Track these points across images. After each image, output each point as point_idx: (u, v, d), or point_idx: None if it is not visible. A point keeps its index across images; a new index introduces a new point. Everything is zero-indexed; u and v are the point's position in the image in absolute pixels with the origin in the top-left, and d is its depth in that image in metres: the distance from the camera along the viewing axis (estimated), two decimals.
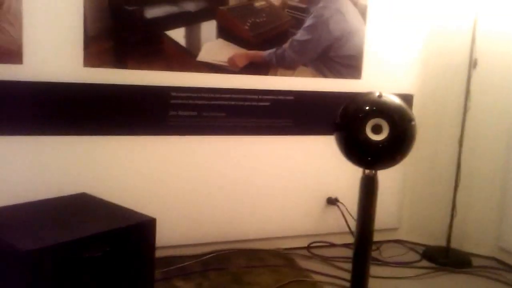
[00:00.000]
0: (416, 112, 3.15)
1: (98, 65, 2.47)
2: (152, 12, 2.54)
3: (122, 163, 2.60)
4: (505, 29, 2.95)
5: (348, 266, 1.93)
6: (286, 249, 3.00)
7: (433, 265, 2.92)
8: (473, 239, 3.14)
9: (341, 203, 3.07)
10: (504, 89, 2.99)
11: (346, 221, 3.05)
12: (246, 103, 2.80)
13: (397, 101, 1.78)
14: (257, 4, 2.75)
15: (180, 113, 2.67)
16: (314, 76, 2.94)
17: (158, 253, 2.61)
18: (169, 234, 2.72)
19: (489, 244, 3.10)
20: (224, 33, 2.70)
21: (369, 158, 1.80)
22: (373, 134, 1.75)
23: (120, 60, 2.52)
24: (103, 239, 1.84)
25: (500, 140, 3.03)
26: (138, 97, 2.57)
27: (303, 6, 2.83)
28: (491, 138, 3.06)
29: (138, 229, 1.97)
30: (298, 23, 2.84)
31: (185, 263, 2.65)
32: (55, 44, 2.37)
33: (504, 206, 3.01)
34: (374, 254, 2.99)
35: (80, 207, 2.19)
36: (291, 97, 2.90)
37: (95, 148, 2.54)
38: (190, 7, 2.61)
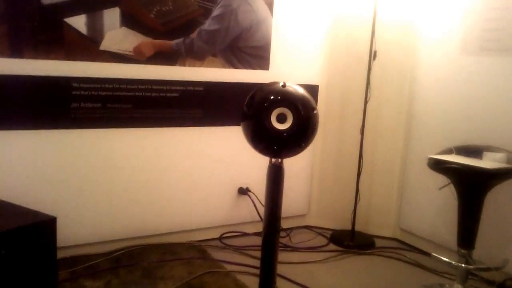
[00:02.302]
0: (322, 102, 3.29)
1: None
2: None
3: (19, 159, 2.43)
4: (402, 21, 3.13)
5: (260, 254, 1.96)
6: (199, 241, 2.99)
7: (339, 248, 3.06)
8: (376, 222, 3.33)
9: (252, 192, 3.11)
10: (401, 79, 3.18)
11: (257, 210, 3.10)
12: (154, 94, 2.73)
13: (300, 90, 1.82)
14: None
15: (83, 105, 2.54)
16: (223, 66, 2.93)
17: (64, 253, 2.52)
18: (75, 232, 2.61)
19: (391, 226, 3.31)
20: (129, 21, 2.61)
21: (275, 147, 1.82)
22: (278, 123, 1.78)
23: (15, 49, 2.35)
24: None
25: (398, 129, 3.22)
26: (36, 88, 2.41)
27: None
28: (390, 126, 3.24)
29: (37, 229, 1.86)
30: (206, 13, 2.81)
31: (94, 262, 2.56)
32: None
33: (403, 191, 3.22)
34: (284, 240, 3.08)
35: None
36: (201, 88, 2.87)
37: None
38: None
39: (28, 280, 1.85)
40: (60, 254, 2.24)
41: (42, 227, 1.88)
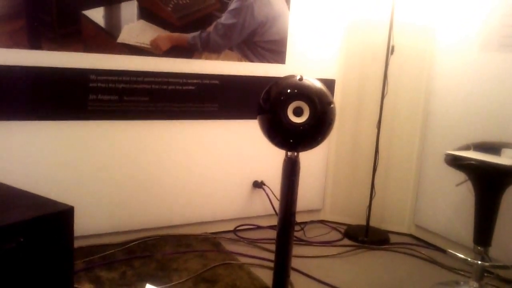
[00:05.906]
0: (338, 97, 3.27)
1: (9, 46, 2.31)
2: None
3: (37, 149, 2.47)
4: (418, 20, 3.10)
5: (274, 247, 1.96)
6: (213, 233, 3.01)
7: (354, 243, 3.05)
8: (391, 217, 3.31)
9: (267, 186, 3.11)
10: (418, 75, 3.15)
11: (272, 204, 3.10)
12: (170, 87, 2.75)
13: (317, 84, 1.82)
14: None
15: (100, 97, 2.56)
16: (239, 60, 2.93)
17: (80, 242, 2.55)
18: (91, 223, 2.64)
19: (406, 222, 3.29)
20: (146, 14, 2.62)
21: (291, 141, 1.82)
22: (294, 116, 1.78)
23: (34, 41, 2.37)
24: (16, 229, 1.73)
25: (415, 124, 3.19)
26: (54, 80, 2.44)
27: None
28: (407, 122, 3.22)
29: (54, 218, 1.88)
30: (222, 6, 2.81)
31: (109, 252, 2.58)
32: None
33: (419, 186, 3.19)
34: (298, 234, 3.08)
35: None
36: (217, 81, 2.88)
37: (6, 133, 2.38)
38: None
39: (45, 268, 1.88)
40: (76, 244, 2.27)
41: (60, 216, 1.90)
